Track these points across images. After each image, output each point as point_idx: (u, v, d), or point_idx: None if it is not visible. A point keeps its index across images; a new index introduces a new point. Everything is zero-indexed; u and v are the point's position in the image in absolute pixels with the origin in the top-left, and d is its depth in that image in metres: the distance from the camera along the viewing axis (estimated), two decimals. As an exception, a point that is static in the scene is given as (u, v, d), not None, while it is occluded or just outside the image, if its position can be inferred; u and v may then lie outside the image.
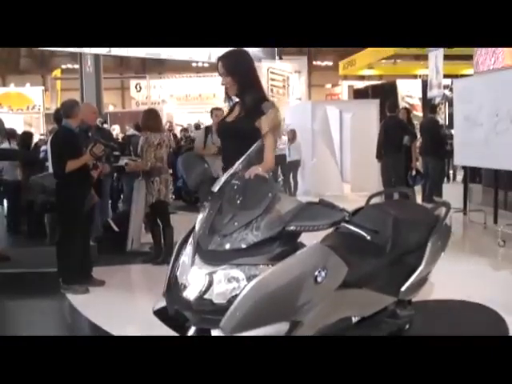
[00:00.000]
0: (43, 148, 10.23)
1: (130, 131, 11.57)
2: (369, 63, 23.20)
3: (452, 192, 10.10)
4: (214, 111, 8.08)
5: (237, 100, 3.52)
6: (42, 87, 26.76)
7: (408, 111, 10.94)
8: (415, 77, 22.97)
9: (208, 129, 7.80)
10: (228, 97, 3.53)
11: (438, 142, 11.06)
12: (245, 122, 3.34)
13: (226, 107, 3.79)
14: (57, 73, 26.04)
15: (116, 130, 14.63)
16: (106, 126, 12.54)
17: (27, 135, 10.02)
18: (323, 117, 13.13)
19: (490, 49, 9.93)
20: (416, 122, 14.83)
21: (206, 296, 2.50)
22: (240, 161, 2.96)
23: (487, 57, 10.08)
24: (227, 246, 2.57)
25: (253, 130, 3.28)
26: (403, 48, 19.01)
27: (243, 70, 3.45)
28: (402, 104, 18.68)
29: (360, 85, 25.83)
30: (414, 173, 9.82)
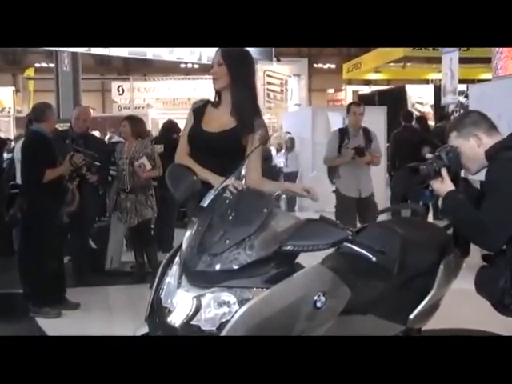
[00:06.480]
0: (7, 156, 9.60)
1: (115, 138, 11.43)
2: (375, 66, 23.33)
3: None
4: (353, 107, 6.98)
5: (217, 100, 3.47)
6: (13, 88, 26.80)
7: (424, 119, 11.04)
8: (427, 82, 23.11)
9: (343, 131, 6.92)
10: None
11: None
12: (236, 138, 3.36)
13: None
14: (29, 72, 26.07)
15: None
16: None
17: None
18: (325, 124, 13.15)
19: (511, 51, 9.89)
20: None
21: (193, 322, 2.49)
22: (234, 173, 2.96)
23: (508, 60, 10.01)
24: (217, 267, 2.56)
25: (242, 146, 3.34)
26: (414, 50, 19.16)
27: (243, 65, 3.43)
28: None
29: (365, 90, 25.98)
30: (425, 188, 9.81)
